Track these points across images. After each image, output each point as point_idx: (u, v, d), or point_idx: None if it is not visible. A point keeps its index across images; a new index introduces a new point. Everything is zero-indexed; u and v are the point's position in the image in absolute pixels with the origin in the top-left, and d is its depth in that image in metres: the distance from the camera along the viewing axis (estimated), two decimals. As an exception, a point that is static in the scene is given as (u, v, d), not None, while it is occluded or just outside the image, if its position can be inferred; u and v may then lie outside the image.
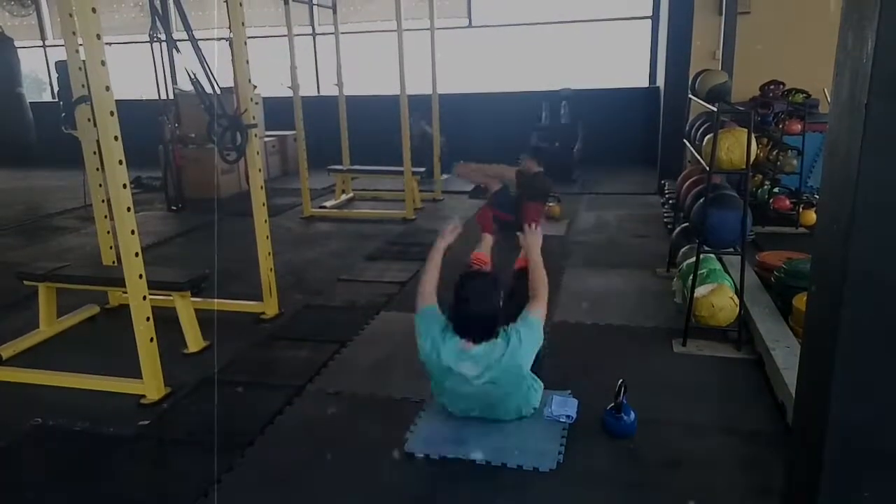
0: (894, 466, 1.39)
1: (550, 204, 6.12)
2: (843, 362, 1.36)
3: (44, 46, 11.51)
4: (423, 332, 2.65)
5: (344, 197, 7.62)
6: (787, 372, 2.86)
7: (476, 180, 6.08)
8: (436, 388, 2.78)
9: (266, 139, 9.13)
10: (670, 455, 2.57)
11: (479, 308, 2.53)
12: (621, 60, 9.95)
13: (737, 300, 3.47)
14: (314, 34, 10.48)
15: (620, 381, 2.71)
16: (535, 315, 2.67)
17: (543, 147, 8.06)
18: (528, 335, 2.58)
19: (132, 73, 9.70)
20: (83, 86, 3.68)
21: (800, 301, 3.40)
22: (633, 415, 2.67)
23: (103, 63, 2.74)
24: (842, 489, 1.43)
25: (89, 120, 3.71)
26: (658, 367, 3.33)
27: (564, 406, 2.74)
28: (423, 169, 7.28)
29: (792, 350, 3.07)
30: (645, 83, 9.56)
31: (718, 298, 3.46)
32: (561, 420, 2.67)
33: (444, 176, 7.59)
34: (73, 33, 3.66)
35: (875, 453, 1.39)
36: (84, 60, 2.83)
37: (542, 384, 2.79)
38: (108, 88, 2.76)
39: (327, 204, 7.30)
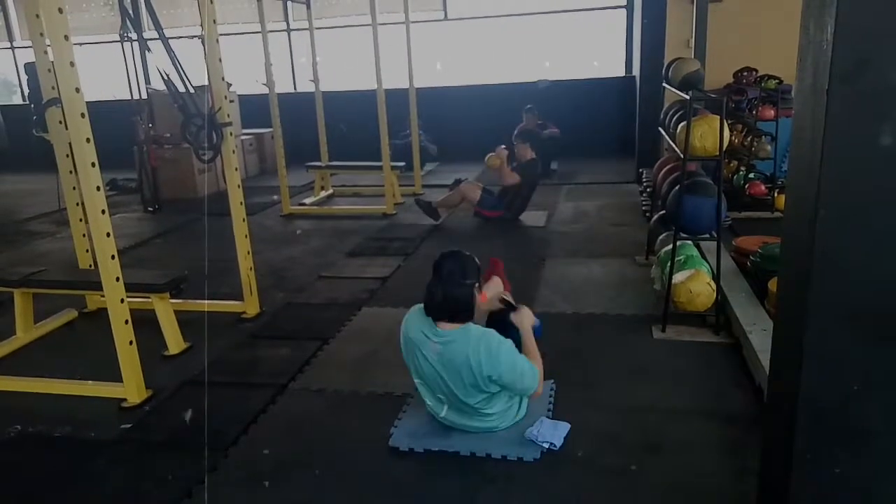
0: (863, 443, 1.43)
1: (490, 154, 6.29)
2: (812, 343, 1.39)
3: (12, 48, 11.31)
4: (407, 319, 2.67)
5: (323, 193, 7.59)
6: (763, 355, 2.90)
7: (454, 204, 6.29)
8: (413, 377, 2.74)
9: (243, 137, 9.06)
10: (651, 440, 2.61)
11: (445, 288, 2.50)
12: (598, 50, 10.01)
13: (714, 285, 3.52)
14: (289, 30, 10.40)
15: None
16: (525, 360, 2.58)
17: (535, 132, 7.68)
18: (498, 351, 2.48)
19: (104, 73, 9.60)
20: (53, 88, 3.63)
21: (775, 284, 3.45)
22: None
23: (72, 64, 2.70)
24: (814, 467, 1.46)
25: (61, 122, 3.67)
26: (638, 353, 3.37)
27: (554, 431, 2.58)
28: (402, 164, 7.28)
29: (768, 333, 3.12)
30: (621, 72, 9.62)
31: (696, 284, 3.51)
32: (542, 446, 2.52)
33: (426, 168, 7.60)
34: (41, 34, 3.60)
35: (845, 431, 1.43)
36: (53, 62, 2.79)
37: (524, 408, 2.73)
38: (78, 90, 2.72)
39: (307, 201, 7.27)
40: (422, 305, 2.61)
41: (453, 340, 2.50)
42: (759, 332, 3.18)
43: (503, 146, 6.31)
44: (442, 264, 2.56)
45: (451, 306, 2.51)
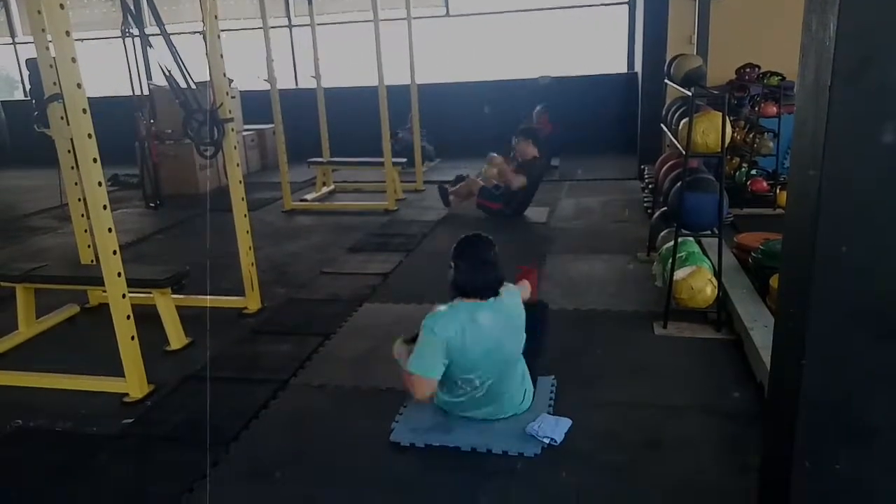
0: (864, 440, 1.43)
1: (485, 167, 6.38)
2: (814, 339, 1.39)
3: (13, 44, 11.30)
4: (445, 325, 2.52)
5: (325, 189, 7.59)
6: (764, 351, 2.90)
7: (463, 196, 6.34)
8: (445, 378, 2.64)
9: (244, 133, 9.06)
10: (652, 436, 2.61)
11: (497, 268, 2.60)
12: (600, 47, 9.98)
13: (715, 282, 3.52)
14: (290, 26, 10.39)
15: None
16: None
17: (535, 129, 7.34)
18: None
19: (106, 69, 9.60)
20: (55, 83, 3.63)
21: (776, 281, 3.45)
22: None
23: (74, 60, 2.70)
24: (814, 463, 1.46)
25: (62, 118, 3.66)
26: (639, 349, 3.37)
27: (555, 428, 2.58)
28: (403, 160, 7.28)
29: (769, 330, 3.08)
30: (623, 69, 9.59)
31: (697, 281, 3.51)
32: (543, 441, 2.53)
33: (427, 165, 7.60)
34: (42, 30, 3.60)
35: (845, 428, 1.43)
36: (54, 57, 2.79)
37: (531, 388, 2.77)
38: (79, 86, 2.72)
39: (308, 197, 7.27)
40: (446, 307, 2.58)
41: (500, 299, 2.61)
42: (760, 329, 3.18)
43: (493, 153, 6.37)
44: (476, 251, 2.60)
45: (500, 280, 2.64)
